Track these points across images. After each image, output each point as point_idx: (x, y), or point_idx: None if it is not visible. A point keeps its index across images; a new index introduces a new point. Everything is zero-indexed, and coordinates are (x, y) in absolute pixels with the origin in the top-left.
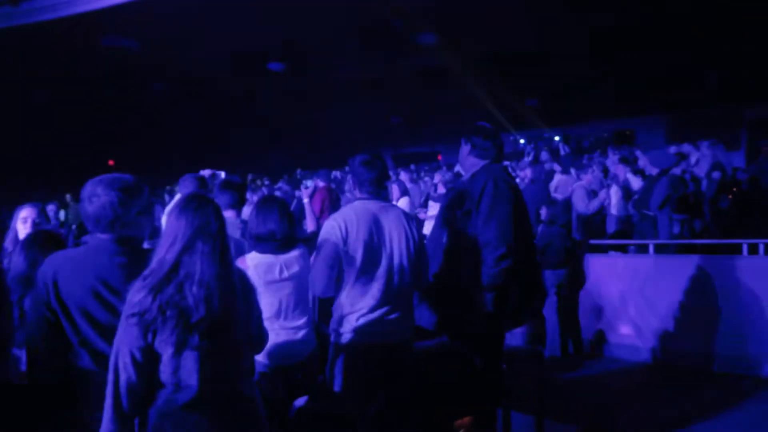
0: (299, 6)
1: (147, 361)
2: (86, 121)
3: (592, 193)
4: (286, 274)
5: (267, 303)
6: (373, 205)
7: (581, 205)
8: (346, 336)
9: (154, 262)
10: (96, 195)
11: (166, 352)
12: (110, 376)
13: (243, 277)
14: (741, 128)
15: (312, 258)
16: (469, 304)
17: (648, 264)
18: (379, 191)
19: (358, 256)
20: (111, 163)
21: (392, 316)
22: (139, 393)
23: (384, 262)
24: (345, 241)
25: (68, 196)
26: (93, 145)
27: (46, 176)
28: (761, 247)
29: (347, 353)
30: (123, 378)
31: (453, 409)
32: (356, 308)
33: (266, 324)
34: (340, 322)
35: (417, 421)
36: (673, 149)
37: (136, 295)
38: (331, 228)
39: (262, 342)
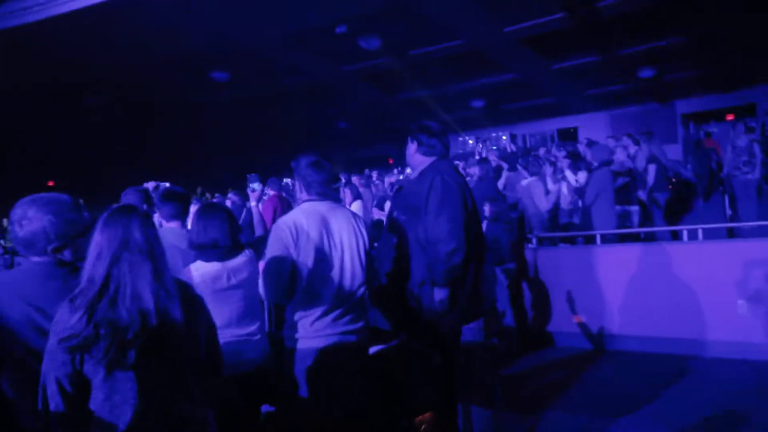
0: (241, 11)
1: (77, 389)
2: (24, 137)
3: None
4: (234, 281)
5: (216, 312)
6: (322, 207)
7: (542, 202)
8: (303, 341)
9: (83, 281)
10: (27, 218)
11: (97, 376)
12: (39, 407)
13: (186, 288)
14: (675, 122)
15: (262, 263)
16: (423, 301)
17: (594, 254)
18: (328, 192)
19: (310, 259)
20: (51, 183)
21: (346, 317)
22: (70, 424)
23: (336, 264)
24: (296, 244)
25: (4, 221)
26: (31, 164)
27: None
28: (700, 233)
29: (306, 358)
30: (51, 407)
31: (413, 406)
32: (310, 312)
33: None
34: (294, 327)
35: (378, 420)
36: (612, 143)
37: (70, 318)
38: (281, 232)
39: (216, 359)
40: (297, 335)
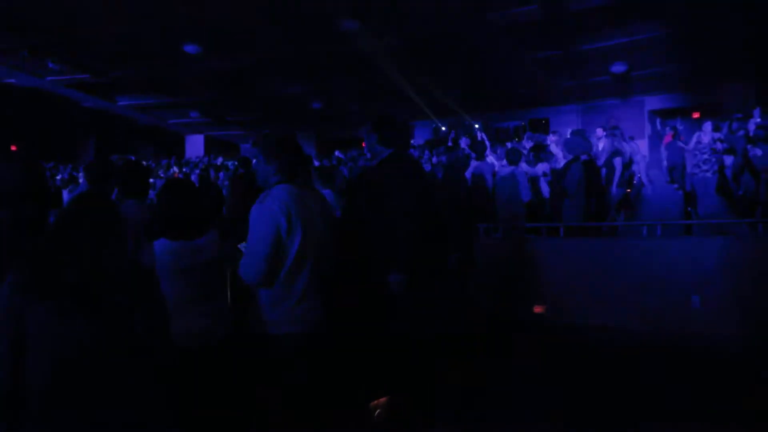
0: None
1: None
2: None
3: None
4: (198, 259)
5: (179, 289)
6: (298, 189)
7: (525, 191)
8: (283, 326)
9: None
10: None
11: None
12: None
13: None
14: (644, 118)
15: (245, 243)
16: (381, 286)
17: (554, 245)
18: (300, 174)
19: (296, 242)
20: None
21: (319, 301)
22: None
23: (313, 248)
24: (286, 227)
25: None
26: None
27: None
28: (659, 229)
29: (284, 342)
30: None
31: (369, 390)
32: (291, 295)
33: (180, 309)
34: (273, 310)
35: (335, 403)
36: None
37: None
38: (272, 213)
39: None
40: (276, 318)
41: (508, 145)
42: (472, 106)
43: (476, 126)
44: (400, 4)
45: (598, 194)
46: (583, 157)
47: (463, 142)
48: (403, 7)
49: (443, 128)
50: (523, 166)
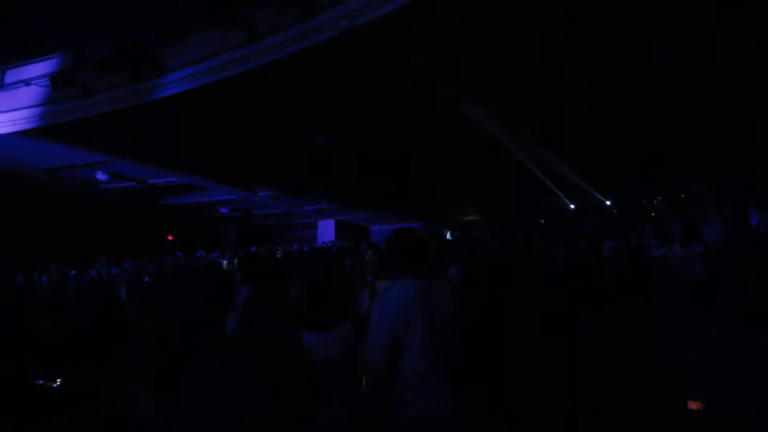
0: None
1: None
2: None
3: None
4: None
5: None
6: (419, 283)
7: None
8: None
9: None
10: None
11: None
12: None
13: None
14: None
15: None
16: None
17: None
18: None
19: (415, 339)
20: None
21: (451, 394)
22: None
23: (438, 343)
24: (403, 325)
25: None
26: None
27: None
28: None
29: None
30: None
31: None
32: (418, 392)
33: None
34: (401, 407)
35: None
36: None
37: None
38: (391, 310)
39: None
40: (405, 417)
41: None
42: None
43: None
44: None
45: None
46: None
47: None
48: None
49: None
50: None
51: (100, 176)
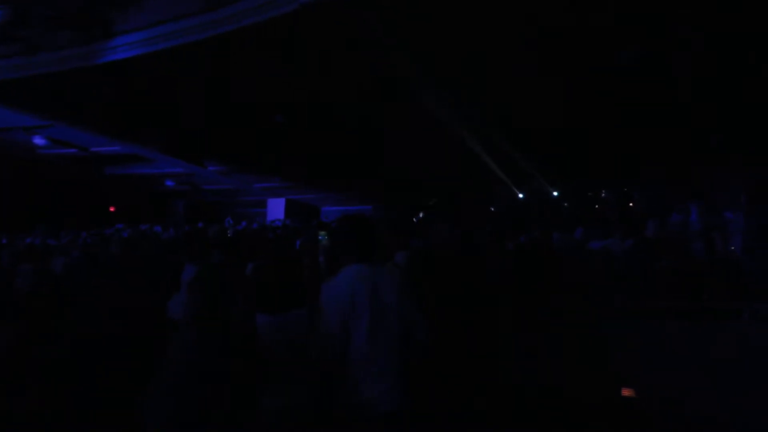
0: None
1: None
2: None
3: None
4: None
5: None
6: (369, 269)
7: None
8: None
9: None
10: None
11: None
12: None
13: None
14: None
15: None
16: None
17: None
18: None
19: (363, 323)
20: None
21: (399, 380)
22: None
23: (386, 328)
24: (350, 309)
25: None
26: None
27: None
28: None
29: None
30: None
31: None
32: (366, 377)
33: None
34: (352, 391)
35: None
36: None
37: None
38: (339, 294)
39: None
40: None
41: None
42: None
43: None
44: None
45: None
46: None
47: None
48: None
49: None
50: None
51: (38, 141)
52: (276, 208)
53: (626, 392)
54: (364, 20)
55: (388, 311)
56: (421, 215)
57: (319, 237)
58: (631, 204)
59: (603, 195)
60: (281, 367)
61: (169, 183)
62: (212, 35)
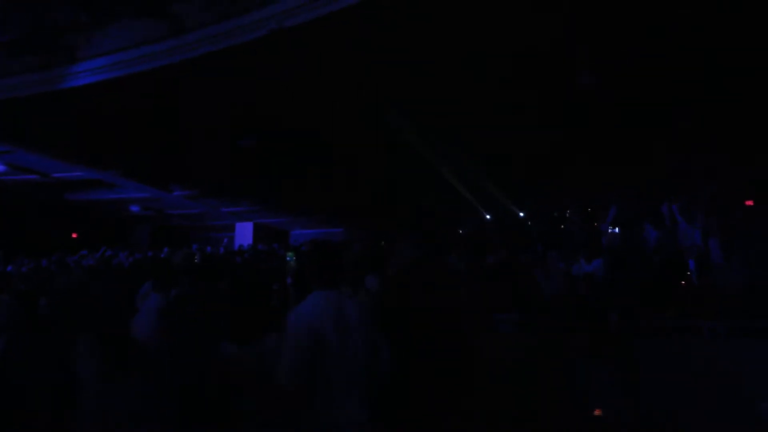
0: None
1: None
2: None
3: None
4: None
5: None
6: (336, 296)
7: None
8: None
9: None
10: None
11: None
12: None
13: None
14: None
15: None
16: None
17: None
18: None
19: (330, 350)
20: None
21: (362, 409)
22: None
23: (352, 356)
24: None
25: None
26: None
27: None
28: None
29: None
30: None
31: None
32: (331, 404)
33: None
34: (316, 418)
35: None
36: None
37: None
38: (307, 321)
39: None
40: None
41: None
42: None
43: None
44: None
45: None
46: None
47: None
48: None
49: None
50: None
51: None
52: (245, 232)
53: (597, 412)
54: (332, 47)
55: (354, 337)
56: (390, 238)
57: (287, 258)
58: (595, 224)
59: (567, 214)
60: (253, 399)
61: (133, 208)
62: (177, 61)
